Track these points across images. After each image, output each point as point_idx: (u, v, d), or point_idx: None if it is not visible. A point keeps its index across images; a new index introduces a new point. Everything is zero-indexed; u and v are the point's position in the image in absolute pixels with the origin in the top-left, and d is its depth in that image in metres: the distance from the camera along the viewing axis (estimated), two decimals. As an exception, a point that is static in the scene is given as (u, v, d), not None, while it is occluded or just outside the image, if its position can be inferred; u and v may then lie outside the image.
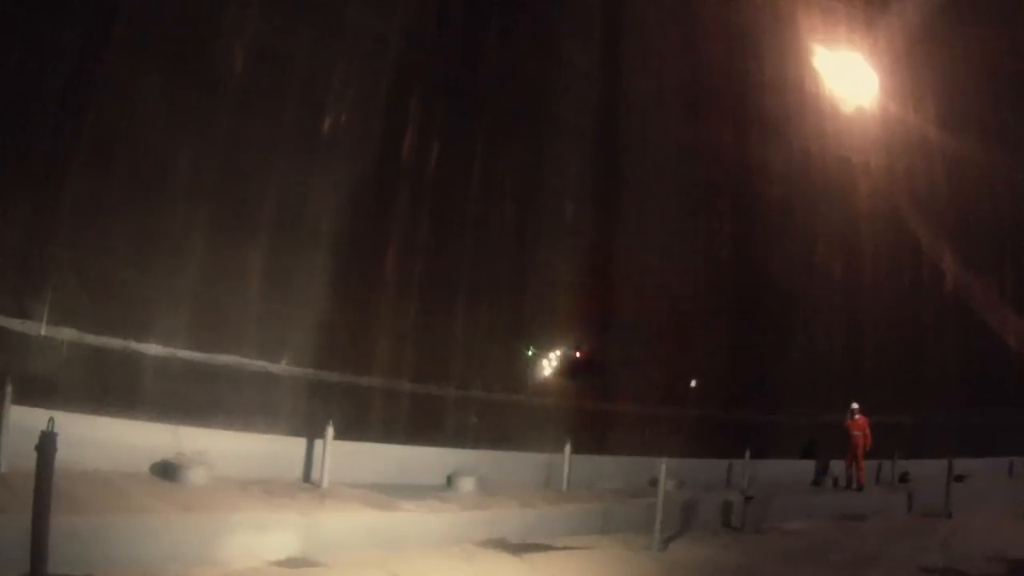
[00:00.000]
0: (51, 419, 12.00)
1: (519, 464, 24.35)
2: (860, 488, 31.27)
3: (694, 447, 28.19)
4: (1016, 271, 41.39)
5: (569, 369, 27.35)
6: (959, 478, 31.58)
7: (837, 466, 32.09)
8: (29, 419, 15.58)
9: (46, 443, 11.78)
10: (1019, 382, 39.92)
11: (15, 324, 18.56)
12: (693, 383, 29.66)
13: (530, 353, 27.13)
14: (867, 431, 31.59)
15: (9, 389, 16.34)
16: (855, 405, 31.78)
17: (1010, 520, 28.08)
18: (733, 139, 32.74)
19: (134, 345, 19.94)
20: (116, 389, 19.54)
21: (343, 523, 17.36)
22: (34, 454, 12.29)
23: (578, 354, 27.83)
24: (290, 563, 15.61)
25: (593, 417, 27.35)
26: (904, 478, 33.10)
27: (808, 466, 32.14)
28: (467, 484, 22.48)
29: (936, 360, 38.77)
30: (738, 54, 33.30)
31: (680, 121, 31.30)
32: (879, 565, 20.73)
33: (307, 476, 20.83)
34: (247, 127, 22.32)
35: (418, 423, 24.55)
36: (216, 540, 15.22)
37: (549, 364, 27.29)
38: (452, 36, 26.83)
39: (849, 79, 37.28)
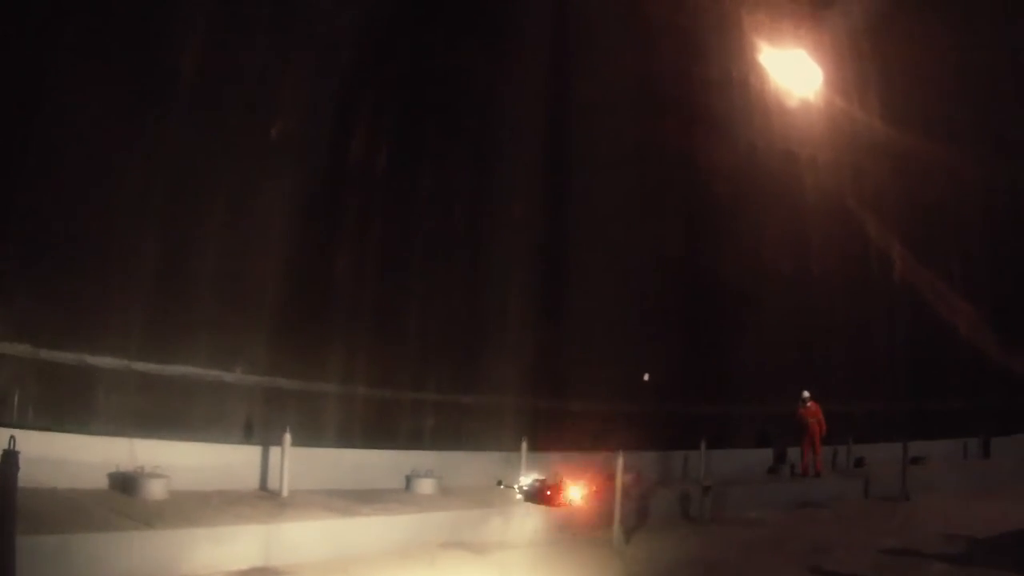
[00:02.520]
0: (12, 437, 11.93)
1: (476, 464, 24.36)
2: (818, 475, 31.49)
3: (649, 440, 28.27)
4: (962, 259, 41.75)
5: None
6: (915, 460, 31.86)
7: (793, 454, 32.25)
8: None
9: (8, 461, 11.72)
10: (968, 367, 40.30)
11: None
12: (645, 377, 29.71)
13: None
14: (820, 417, 31.75)
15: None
16: (806, 393, 31.89)
17: (967, 501, 28.31)
18: (680, 136, 32.84)
19: (88, 359, 19.91)
20: (71, 404, 19.53)
21: (304, 530, 17.33)
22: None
23: None
24: (253, 572, 15.63)
25: (547, 414, 27.43)
26: (859, 463, 33.33)
27: (764, 455, 32.29)
28: (425, 486, 22.52)
29: (886, 348, 39.14)
30: (683, 52, 33.40)
31: (626, 119, 31.35)
32: (839, 550, 20.85)
33: (265, 484, 20.79)
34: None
35: (373, 426, 24.66)
36: (178, 553, 15.22)
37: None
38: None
39: (794, 74, 37.48)
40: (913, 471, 30.45)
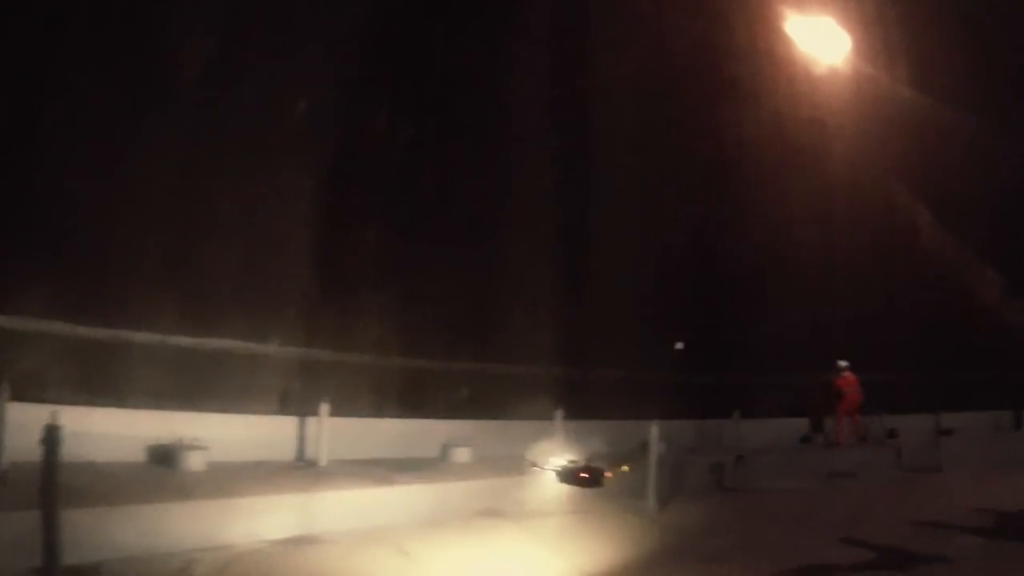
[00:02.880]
0: (55, 412, 12.08)
1: (511, 433, 24.47)
2: (864, 439, 31.58)
3: (683, 409, 28.37)
4: (993, 231, 41.59)
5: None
6: (947, 432, 31.83)
7: (829, 424, 32.33)
8: (21, 415, 15.91)
9: (51, 436, 11.88)
10: (1000, 338, 40.19)
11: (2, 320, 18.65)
12: (679, 345, 29.82)
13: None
14: (857, 387, 31.77)
15: (7, 386, 16.39)
16: (842, 362, 31.90)
17: (999, 473, 28.20)
18: (708, 107, 32.86)
19: (124, 334, 20.08)
20: (109, 379, 19.69)
21: (342, 500, 17.46)
22: (26, 450, 12.45)
23: None
24: (293, 542, 15.74)
25: (582, 383, 27.56)
26: (892, 434, 33.28)
27: (797, 425, 32.31)
28: (461, 455, 22.68)
29: (917, 318, 39.03)
30: (706, 20, 33.33)
31: (653, 91, 31.37)
32: (870, 521, 20.79)
33: (302, 455, 20.97)
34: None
35: (409, 396, 24.82)
36: (217, 524, 15.28)
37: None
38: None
39: (821, 42, 37.31)
40: (945, 443, 30.45)
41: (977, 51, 39.99)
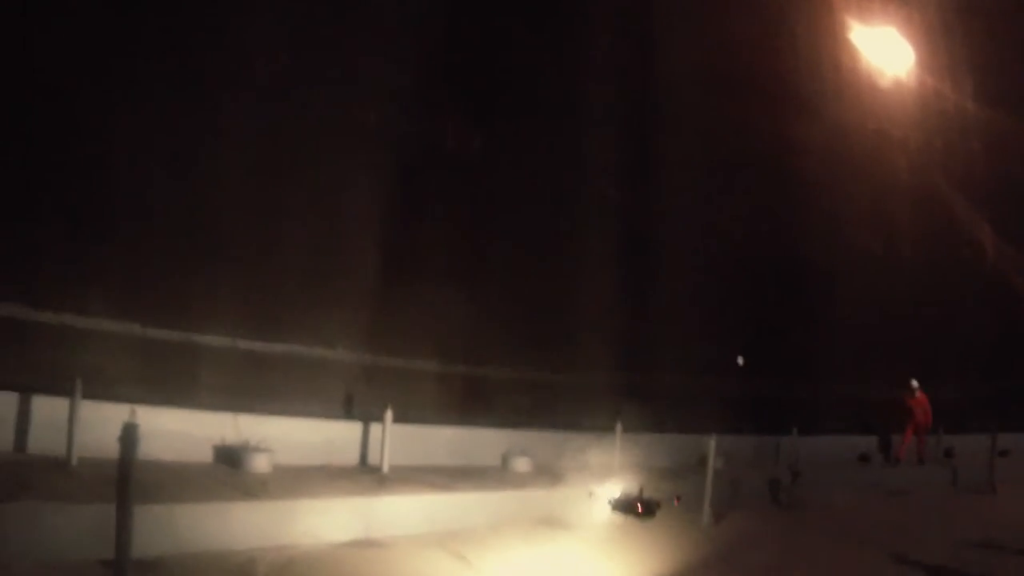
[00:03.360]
0: (132, 410, 12.43)
1: (570, 444, 24.68)
2: (921, 462, 31.70)
3: (742, 424, 28.49)
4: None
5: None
6: (1003, 453, 31.79)
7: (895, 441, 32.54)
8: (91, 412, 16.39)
9: (128, 433, 12.21)
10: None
11: (79, 321, 19.11)
12: (740, 360, 29.92)
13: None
14: (927, 407, 31.94)
15: (79, 384, 16.80)
16: (915, 382, 32.05)
17: (1054, 495, 28.26)
18: (770, 116, 32.92)
19: (194, 337, 20.53)
20: (178, 380, 20.11)
21: (403, 505, 17.73)
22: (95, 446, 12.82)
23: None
24: (355, 544, 16.03)
25: (641, 394, 27.70)
26: (949, 453, 33.30)
27: (854, 442, 32.34)
28: (521, 464, 22.93)
29: (979, 335, 38.94)
30: (773, 30, 33.43)
31: (714, 100, 31.48)
32: (922, 539, 20.87)
33: (365, 460, 21.32)
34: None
35: (470, 405, 25.10)
36: (282, 524, 15.60)
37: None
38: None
39: (883, 52, 37.32)
40: (1001, 463, 30.43)
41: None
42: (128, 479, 12.16)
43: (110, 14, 20.01)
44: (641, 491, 17.54)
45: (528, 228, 27.37)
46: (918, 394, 31.97)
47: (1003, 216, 39.36)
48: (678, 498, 15.22)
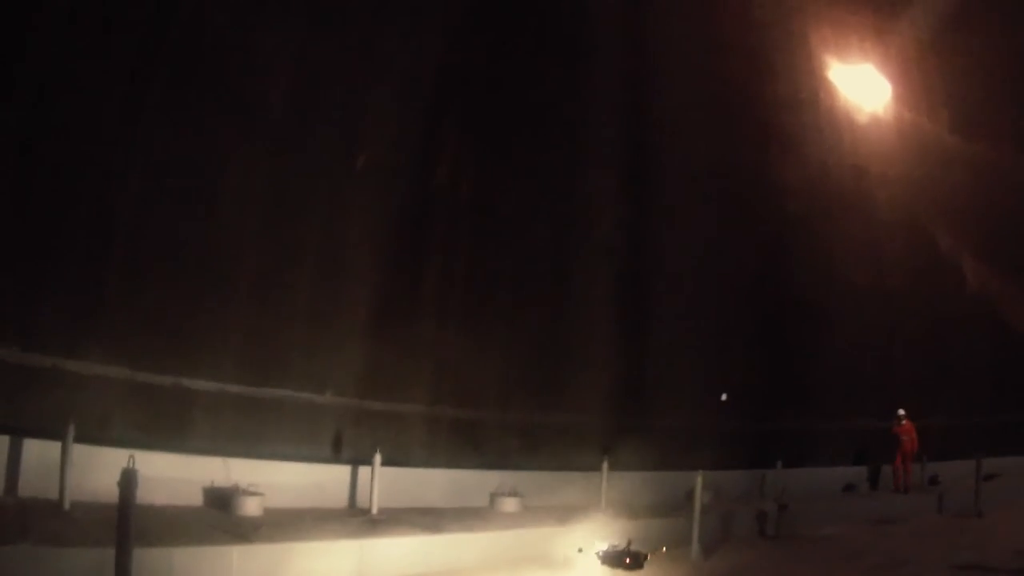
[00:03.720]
0: (131, 456, 12.55)
1: (557, 484, 24.79)
2: (907, 491, 31.85)
3: (727, 459, 28.59)
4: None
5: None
6: (989, 477, 31.89)
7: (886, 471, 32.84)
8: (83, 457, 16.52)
9: (127, 479, 12.33)
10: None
11: (69, 364, 19.21)
12: (723, 397, 30.06)
13: None
14: (913, 435, 32.18)
15: (72, 428, 16.90)
16: (901, 411, 32.35)
17: (1040, 518, 28.44)
18: (754, 154, 33.12)
19: (184, 382, 20.62)
20: (168, 424, 20.21)
21: (394, 547, 17.81)
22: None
23: None
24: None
25: (628, 433, 27.79)
26: (934, 480, 33.43)
27: (839, 473, 32.45)
28: (509, 505, 23.03)
29: (962, 363, 39.09)
30: (753, 71, 33.66)
31: (702, 139, 31.66)
32: (912, 565, 21.06)
33: (355, 502, 21.42)
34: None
35: (458, 446, 25.21)
36: (275, 567, 15.75)
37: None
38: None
39: (864, 88, 37.61)
40: (987, 487, 30.57)
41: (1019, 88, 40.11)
42: (128, 523, 12.29)
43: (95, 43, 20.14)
44: (629, 544, 17.57)
45: (517, 269, 27.46)
46: (904, 422, 32.14)
47: (985, 245, 39.57)
48: (664, 549, 15.28)
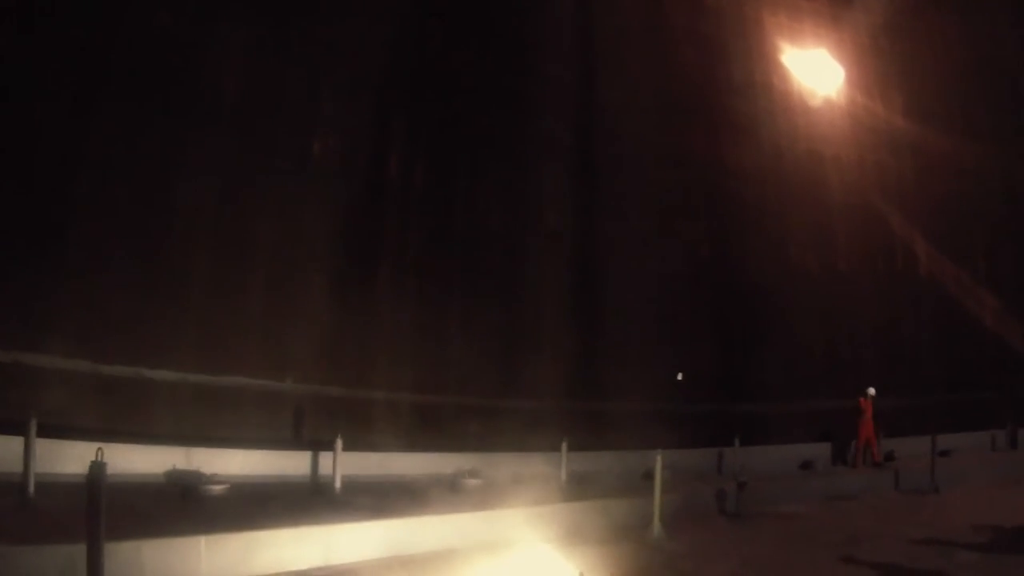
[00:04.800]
0: (99, 449, 12.49)
1: (518, 464, 24.91)
2: (876, 464, 32.28)
3: (686, 437, 28.74)
4: (988, 254, 41.99)
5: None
6: (944, 453, 32.22)
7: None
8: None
9: (96, 472, 12.30)
10: (994, 359, 40.63)
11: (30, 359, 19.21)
12: (679, 376, 30.24)
13: None
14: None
15: (34, 422, 16.90)
16: (871, 390, 32.79)
17: (996, 491, 28.62)
18: (707, 139, 33.36)
19: (145, 372, 20.64)
20: (131, 415, 20.23)
21: (357, 532, 17.84)
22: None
23: None
24: (313, 572, 16.23)
25: (588, 415, 27.95)
26: (890, 457, 33.66)
27: (796, 451, 32.61)
28: (470, 487, 23.12)
29: (914, 342, 39.46)
30: (706, 56, 33.81)
31: (654, 125, 31.81)
32: (871, 541, 21.14)
33: (318, 488, 21.46)
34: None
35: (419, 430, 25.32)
36: (240, 555, 15.73)
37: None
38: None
39: (816, 74, 37.85)
40: (942, 463, 30.81)
41: (971, 76, 40.44)
42: (98, 518, 12.26)
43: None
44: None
45: (472, 256, 27.57)
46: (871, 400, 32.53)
47: (938, 229, 39.93)
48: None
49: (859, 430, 32.98)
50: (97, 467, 12.28)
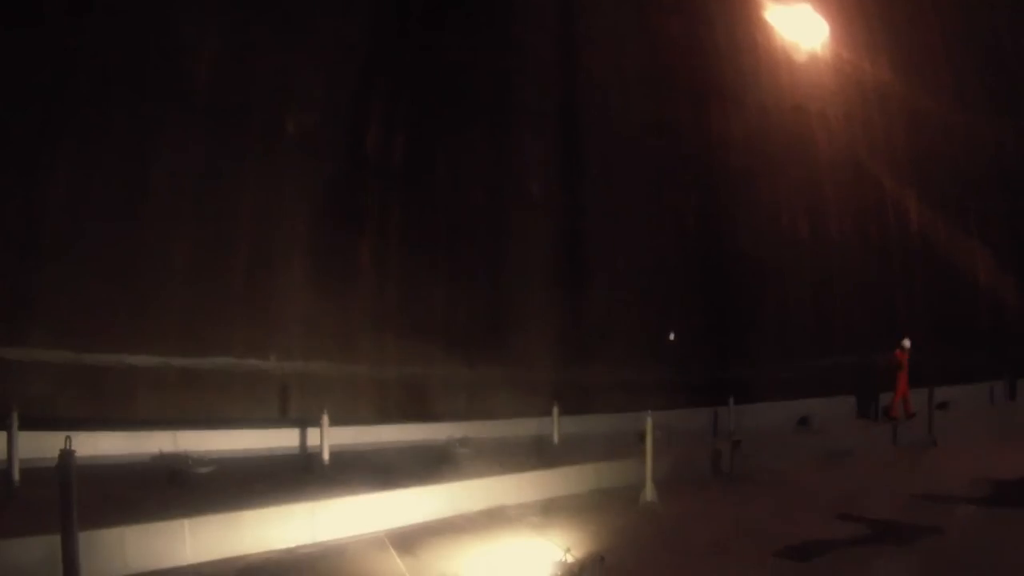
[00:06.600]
0: (67, 437, 12.39)
1: (510, 431, 24.88)
2: (910, 416, 32.55)
3: (679, 400, 28.68)
4: (985, 209, 41.93)
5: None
6: (941, 405, 32.17)
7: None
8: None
9: (65, 461, 12.21)
10: (990, 313, 40.67)
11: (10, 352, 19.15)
12: (671, 336, 30.22)
13: None
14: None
15: (15, 415, 16.83)
16: (907, 341, 33.06)
17: (994, 444, 28.53)
18: (693, 103, 33.29)
19: (128, 359, 20.57)
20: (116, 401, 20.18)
21: (347, 507, 17.72)
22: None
23: None
24: (302, 549, 16.15)
25: (580, 382, 27.94)
26: (886, 411, 33.62)
27: (792, 409, 32.54)
28: (462, 457, 23.02)
29: (908, 299, 39.40)
30: (690, 19, 33.69)
31: (638, 91, 31.73)
32: (869, 497, 21.08)
33: (306, 464, 21.36)
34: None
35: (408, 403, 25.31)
36: (229, 535, 15.65)
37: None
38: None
39: (800, 31, 37.64)
40: (939, 416, 30.77)
41: (954, 39, 40.33)
42: (71, 506, 12.16)
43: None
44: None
45: (458, 227, 27.50)
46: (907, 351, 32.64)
47: (930, 185, 39.89)
48: (602, 558, 15.11)
49: (897, 383, 32.97)
50: (66, 455, 12.20)
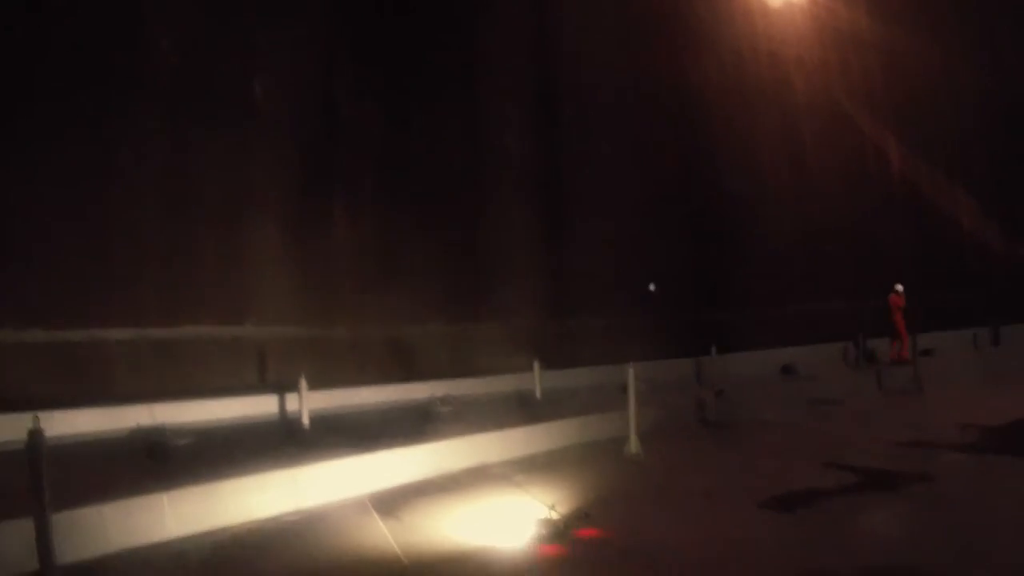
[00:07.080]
0: (35, 416, 12.20)
1: (492, 387, 24.79)
2: (905, 361, 32.56)
3: (662, 349, 28.64)
4: (963, 153, 41.95)
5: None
6: (926, 352, 32.18)
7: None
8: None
9: (35, 441, 12.04)
10: (974, 258, 40.72)
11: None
12: (652, 287, 30.16)
13: None
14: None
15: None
16: (899, 286, 33.55)
17: (979, 390, 28.60)
18: (668, 49, 33.18)
19: (100, 334, 20.39)
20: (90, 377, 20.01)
21: (328, 471, 17.57)
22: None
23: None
24: (284, 518, 15.97)
25: (561, 334, 27.88)
26: (871, 357, 33.60)
27: (776, 356, 32.52)
28: (443, 415, 22.92)
29: (892, 244, 39.41)
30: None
31: (615, 41, 31.63)
32: (856, 444, 21.03)
33: (286, 429, 21.18)
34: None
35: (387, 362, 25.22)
36: (211, 506, 15.49)
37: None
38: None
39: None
40: (925, 363, 30.76)
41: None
42: (41, 486, 12.00)
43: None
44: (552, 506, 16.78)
45: (435, 182, 27.39)
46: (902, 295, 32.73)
47: (911, 131, 39.90)
48: (587, 514, 14.95)
49: (897, 327, 33.22)
50: (34, 435, 12.02)
